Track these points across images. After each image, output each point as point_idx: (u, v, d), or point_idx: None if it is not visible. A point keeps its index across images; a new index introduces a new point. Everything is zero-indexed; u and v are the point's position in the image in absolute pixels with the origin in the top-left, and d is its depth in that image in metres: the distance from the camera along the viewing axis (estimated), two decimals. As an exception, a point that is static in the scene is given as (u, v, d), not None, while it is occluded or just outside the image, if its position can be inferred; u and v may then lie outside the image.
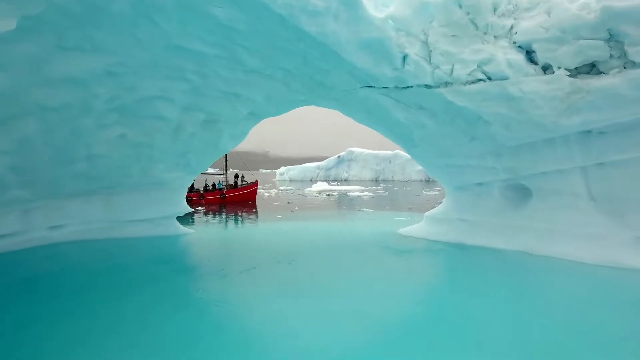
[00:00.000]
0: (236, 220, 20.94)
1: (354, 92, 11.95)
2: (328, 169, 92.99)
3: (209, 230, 16.19)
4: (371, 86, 11.62)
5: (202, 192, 34.31)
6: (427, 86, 10.92)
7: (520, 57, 10.04)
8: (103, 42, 8.98)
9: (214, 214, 24.03)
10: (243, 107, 12.64)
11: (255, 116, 13.30)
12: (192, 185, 35.10)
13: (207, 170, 37.25)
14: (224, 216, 22.53)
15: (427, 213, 14.17)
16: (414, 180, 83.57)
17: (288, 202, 32.73)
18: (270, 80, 11.87)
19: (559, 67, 9.67)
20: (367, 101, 12.15)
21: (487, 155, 12.07)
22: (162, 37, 9.69)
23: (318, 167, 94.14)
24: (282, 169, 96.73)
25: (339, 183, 70.07)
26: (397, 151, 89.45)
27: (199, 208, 27.56)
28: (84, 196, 12.56)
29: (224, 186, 35.67)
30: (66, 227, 12.26)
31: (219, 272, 8.89)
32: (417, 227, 14.35)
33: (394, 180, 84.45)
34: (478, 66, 10.31)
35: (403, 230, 14.63)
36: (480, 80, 10.42)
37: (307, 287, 7.81)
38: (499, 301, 7.28)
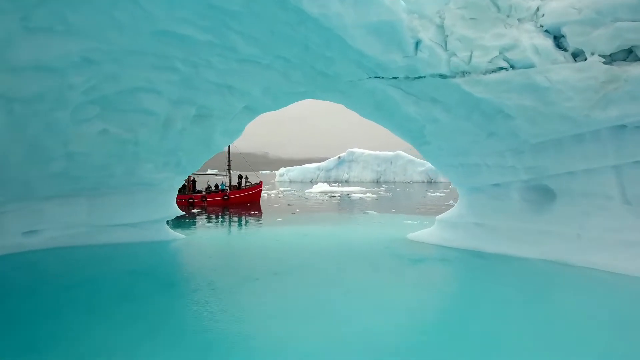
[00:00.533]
0: (234, 223, 19.98)
1: (360, 83, 11.01)
2: (328, 170, 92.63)
3: (203, 235, 15.22)
4: (379, 76, 10.70)
5: (204, 193, 33.61)
6: (442, 76, 9.99)
7: (547, 42, 9.10)
8: (77, 23, 8.06)
9: (211, 216, 23.06)
10: (238, 100, 11.71)
11: (251, 111, 12.36)
12: (194, 186, 34.53)
13: (199, 169, 36.57)
14: (222, 219, 21.55)
15: (438, 217, 13.22)
16: (416, 182, 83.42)
17: (288, 204, 31.78)
18: (267, 70, 10.95)
19: (593, 53, 8.73)
20: (374, 93, 11.21)
21: (506, 153, 11.12)
22: (146, 20, 8.77)
23: (318, 168, 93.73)
24: (282, 169, 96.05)
25: (339, 184, 69.43)
26: (399, 152, 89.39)
27: (197, 210, 26.55)
28: (63, 198, 11.61)
29: (227, 187, 34.88)
30: (43, 232, 11.31)
31: (206, 288, 7.91)
32: (428, 232, 13.39)
33: (395, 182, 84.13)
34: (500, 53, 9.38)
35: (413, 236, 13.67)
36: (502, 68, 9.48)
37: (310, 306, 6.85)
38: (530, 319, 6.37)
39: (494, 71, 9.56)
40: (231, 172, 36.41)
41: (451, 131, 11.35)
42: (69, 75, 8.93)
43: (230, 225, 18.70)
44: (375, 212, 23.89)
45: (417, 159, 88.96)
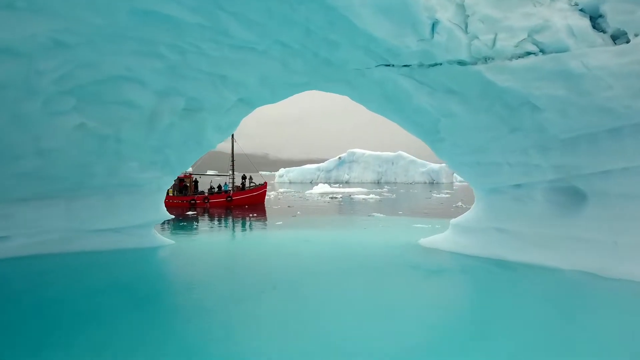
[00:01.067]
0: (231, 227, 18.95)
1: (368, 72, 10.04)
2: (328, 170, 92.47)
3: (195, 241, 14.22)
4: (389, 64, 9.75)
5: (206, 194, 32.94)
6: (461, 62, 9.02)
7: (583, 23, 8.13)
8: (42, -1, 7.03)
9: (208, 218, 22.05)
10: (231, 92, 10.74)
11: (247, 104, 11.37)
12: (196, 187, 33.89)
13: (198, 169, 35.73)
14: (219, 222, 20.51)
15: (453, 221, 12.20)
16: (418, 182, 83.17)
17: (288, 206, 30.79)
18: (264, 57, 10.00)
19: (637, 35, 7.72)
20: (383, 84, 10.24)
21: (531, 150, 10.13)
22: (124, -3, 7.76)
23: (318, 169, 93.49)
24: (281, 170, 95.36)
25: (340, 185, 68.61)
26: (400, 152, 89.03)
27: (191, 213, 25.53)
28: (36, 201, 10.63)
29: (230, 188, 34.12)
30: (13, 239, 10.34)
31: (190, 306, 6.90)
32: (442, 238, 12.38)
33: (396, 183, 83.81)
34: (528, 35, 8.41)
35: (425, 241, 12.66)
36: (530, 53, 8.51)
37: (313, 331, 5.82)
38: (574, 344, 5.39)
39: (521, 56, 8.58)
40: (229, 173, 35.69)
41: (469, 126, 10.35)
42: (37, 60, 7.96)
43: (226, 230, 17.67)
44: (381, 215, 22.89)
45: (419, 160, 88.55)
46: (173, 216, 13.23)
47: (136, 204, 11.82)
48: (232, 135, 33.82)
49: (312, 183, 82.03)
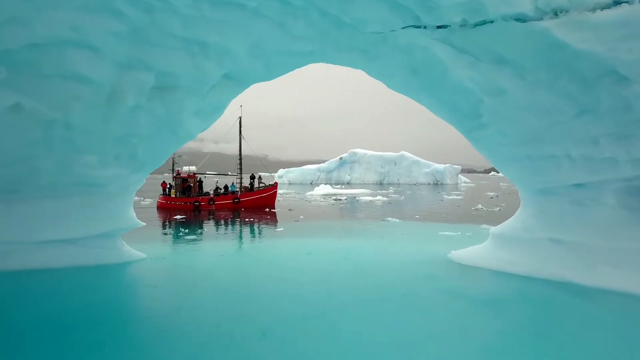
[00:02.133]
0: (223, 235, 16.81)
1: (392, 37, 8.00)
2: (329, 171, 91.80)
3: (173, 255, 12.08)
4: (420, 26, 7.72)
5: (212, 195, 31.62)
6: (521, 18, 6.99)
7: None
8: None
9: (199, 224, 19.94)
10: (214, 65, 8.66)
11: (234, 81, 9.30)
12: (201, 187, 32.80)
13: (195, 168, 33.83)
14: (208, 228, 18.30)
15: (494, 230, 10.11)
16: (422, 184, 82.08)
17: (289, 209, 28.72)
18: (256, 18, 8.02)
19: None
20: (411, 52, 8.19)
21: (603, 139, 8.08)
22: None
23: (319, 170, 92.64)
24: (281, 171, 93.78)
25: (342, 186, 66.97)
26: (403, 152, 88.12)
27: (180, 217, 23.45)
28: (-37, 205, 8.48)
29: (237, 189, 32.71)
30: None
31: None
32: (480, 251, 10.28)
33: (399, 184, 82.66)
34: (620, -25, 6.25)
35: (458, 255, 10.57)
36: (621, 1, 6.36)
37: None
38: None
39: (607, 6, 6.45)
40: (226, 173, 34.60)
41: (522, 108, 8.26)
42: None
43: (214, 239, 15.46)
44: (397, 220, 20.81)
45: (423, 160, 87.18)
46: (144, 224, 11.07)
47: (96, 208, 9.72)
48: (240, 132, 33.36)
49: (313, 184, 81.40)
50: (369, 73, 9.28)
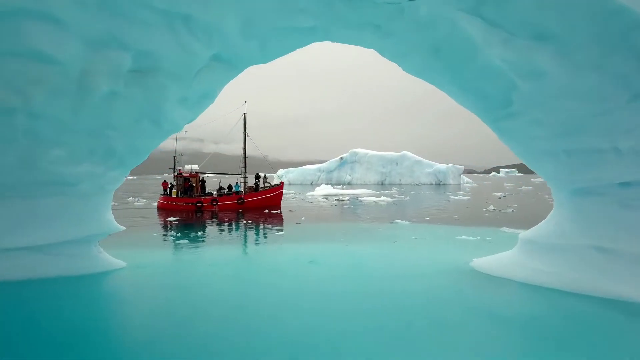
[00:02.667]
0: (218, 239, 15.64)
1: (411, 8, 6.87)
2: (329, 171, 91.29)
3: (158, 261, 10.92)
4: (445, -7, 6.48)
5: (215, 195, 30.96)
6: (571, -20, 5.75)
7: None
8: None
9: (194, 226, 18.82)
10: (201, 44, 7.57)
11: (225, 63, 8.19)
12: (203, 187, 32.07)
13: (197, 168, 32.82)
14: (203, 231, 17.16)
15: (523, 235, 8.97)
16: (424, 184, 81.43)
17: (290, 210, 27.59)
18: (249, -14, 6.77)
19: None
20: (433, 27, 7.06)
21: (659, 130, 6.85)
22: None
23: (319, 170, 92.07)
24: (280, 171, 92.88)
25: (343, 187, 66.14)
26: (405, 152, 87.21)
27: (174, 218, 22.38)
28: None
29: (242, 189, 31.97)
30: None
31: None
32: (507, 259, 9.14)
33: (401, 184, 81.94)
34: None
35: (482, 263, 9.44)
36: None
37: None
38: None
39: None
40: (226, 172, 33.81)
41: (562, 93, 7.15)
42: None
43: (209, 244, 14.29)
44: (406, 222, 19.67)
45: (425, 160, 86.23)
46: (124, 227, 9.90)
47: (66, 210, 8.60)
48: (245, 129, 32.63)
49: (313, 184, 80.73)
50: (382, 53, 8.13)
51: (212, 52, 7.79)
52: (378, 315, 6.42)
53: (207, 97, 8.67)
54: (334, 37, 7.89)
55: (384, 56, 8.16)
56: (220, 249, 12.91)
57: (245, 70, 8.78)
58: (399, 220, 20.25)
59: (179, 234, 16.23)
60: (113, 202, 10.49)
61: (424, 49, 7.52)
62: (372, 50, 8.44)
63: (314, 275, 9.01)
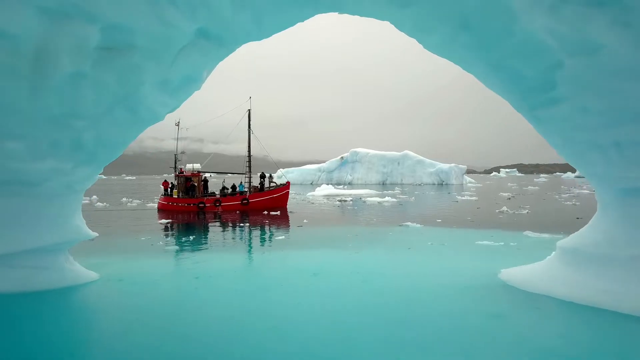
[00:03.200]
0: (211, 243, 14.46)
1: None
2: (330, 171, 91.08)
3: (137, 272, 9.63)
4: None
5: (218, 196, 30.14)
6: None
7: None
8: None
9: (185, 229, 17.64)
10: (184, 17, 6.43)
11: (213, 40, 7.04)
12: (206, 187, 31.19)
13: (198, 168, 31.66)
14: (195, 235, 15.97)
15: (562, 243, 7.85)
16: (426, 184, 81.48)
17: (291, 212, 26.45)
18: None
19: None
20: (463, -7, 5.82)
21: None
22: None
23: (319, 170, 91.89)
24: (280, 171, 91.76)
25: (344, 187, 65.32)
26: (407, 152, 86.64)
27: (166, 221, 21.27)
28: None
29: (246, 189, 31.19)
30: None
31: None
32: (543, 271, 8.01)
33: (403, 184, 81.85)
34: None
35: (513, 275, 8.32)
36: None
37: None
38: None
39: None
40: (226, 172, 33.33)
41: (619, 72, 6.03)
42: None
43: (198, 251, 13.05)
44: (417, 225, 18.51)
45: (427, 160, 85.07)
46: (96, 234, 8.70)
47: (26, 214, 7.43)
48: (249, 127, 31.75)
49: (313, 184, 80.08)
50: (399, 27, 6.96)
51: (196, 25, 6.63)
52: (397, 350, 5.18)
53: (191, 81, 7.49)
54: (343, 6, 6.72)
55: (402, 30, 6.99)
56: (210, 257, 11.67)
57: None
58: (409, 223, 19.03)
59: (170, 239, 15.06)
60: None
61: (450, 22, 6.34)
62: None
63: (318, 292, 7.67)
